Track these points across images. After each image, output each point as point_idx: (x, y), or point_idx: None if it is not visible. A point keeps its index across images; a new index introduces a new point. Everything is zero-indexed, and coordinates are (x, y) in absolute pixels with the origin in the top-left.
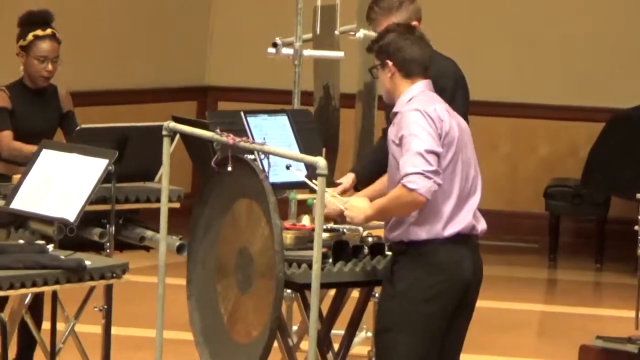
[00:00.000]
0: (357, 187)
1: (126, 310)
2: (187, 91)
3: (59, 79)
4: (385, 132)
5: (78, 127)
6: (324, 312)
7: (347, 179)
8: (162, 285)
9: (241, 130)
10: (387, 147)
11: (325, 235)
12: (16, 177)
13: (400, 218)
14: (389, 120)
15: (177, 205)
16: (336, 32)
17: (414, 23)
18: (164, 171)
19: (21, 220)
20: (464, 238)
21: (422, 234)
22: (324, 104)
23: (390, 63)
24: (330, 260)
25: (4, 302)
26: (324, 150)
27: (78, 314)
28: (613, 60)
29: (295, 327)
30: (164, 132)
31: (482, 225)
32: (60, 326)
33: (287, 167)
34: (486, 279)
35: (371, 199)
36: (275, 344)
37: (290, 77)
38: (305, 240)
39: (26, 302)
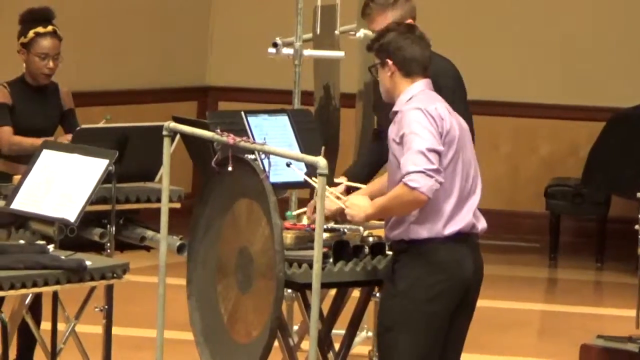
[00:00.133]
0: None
1: (127, 310)
2: (187, 91)
3: (60, 76)
4: (376, 134)
5: (78, 128)
6: (325, 312)
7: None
8: (163, 285)
9: (242, 130)
10: (378, 149)
11: (326, 235)
12: (17, 178)
13: (401, 217)
14: (380, 123)
15: (177, 205)
16: (336, 32)
17: (409, 21)
18: (165, 171)
19: (22, 220)
20: (464, 237)
21: (422, 232)
22: (325, 103)
23: (390, 62)
24: (331, 260)
25: (1, 301)
26: (322, 148)
27: (79, 314)
28: (613, 60)
29: (296, 327)
30: (164, 132)
31: (482, 224)
32: (60, 326)
33: (288, 165)
34: (487, 278)
35: (371, 198)
36: (276, 343)
37: (291, 77)
38: (305, 240)
39: (27, 302)
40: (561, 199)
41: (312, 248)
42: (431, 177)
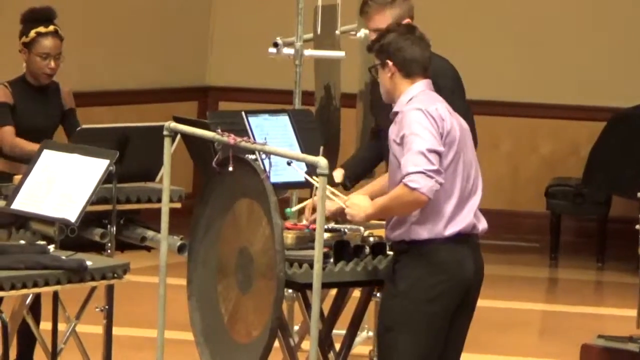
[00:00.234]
0: (346, 183)
1: (127, 310)
2: (188, 91)
3: (61, 76)
4: (375, 132)
5: (79, 128)
6: (326, 312)
7: (338, 174)
8: (163, 286)
9: (242, 130)
10: (375, 147)
11: (327, 235)
12: (17, 178)
13: (402, 217)
14: (379, 122)
15: (178, 205)
16: (337, 32)
17: (407, 20)
18: (165, 171)
19: (22, 220)
20: (465, 237)
21: (423, 233)
22: (325, 103)
23: (390, 63)
24: (332, 260)
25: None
26: (321, 148)
27: (79, 315)
28: (613, 60)
29: (296, 327)
30: (165, 133)
31: (482, 225)
32: (61, 326)
33: (289, 163)
34: (487, 278)
35: (372, 198)
36: (276, 343)
37: (291, 77)
38: (306, 240)
39: (27, 302)
40: (562, 198)
41: (312, 248)
42: (431, 177)
